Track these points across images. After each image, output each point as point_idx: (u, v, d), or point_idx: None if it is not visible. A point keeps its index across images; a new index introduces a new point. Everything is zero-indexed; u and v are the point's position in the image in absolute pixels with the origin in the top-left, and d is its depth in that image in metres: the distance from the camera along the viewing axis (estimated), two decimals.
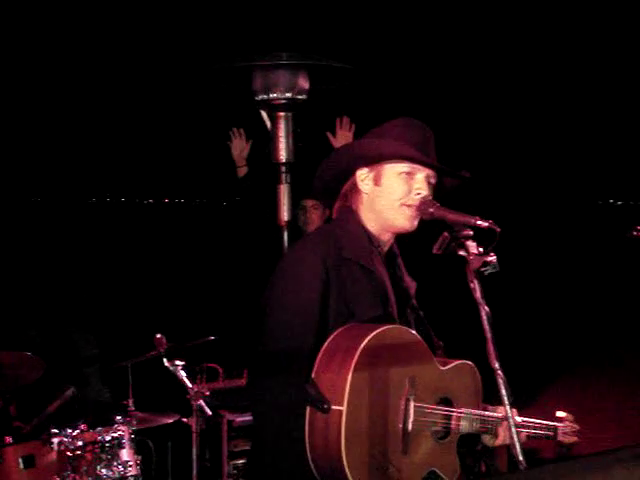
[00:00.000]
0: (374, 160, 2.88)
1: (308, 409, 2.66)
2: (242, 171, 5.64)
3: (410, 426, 2.74)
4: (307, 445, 2.67)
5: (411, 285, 3.07)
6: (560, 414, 3.21)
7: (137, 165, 7.36)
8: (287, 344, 2.76)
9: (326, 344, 2.72)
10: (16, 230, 6.87)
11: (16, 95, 5.90)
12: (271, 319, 2.81)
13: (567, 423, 3.19)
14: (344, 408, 2.60)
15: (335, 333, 2.73)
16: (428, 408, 2.80)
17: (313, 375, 2.69)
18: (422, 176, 2.87)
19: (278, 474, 2.78)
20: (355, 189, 2.92)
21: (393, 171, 2.86)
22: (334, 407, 2.61)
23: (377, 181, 2.88)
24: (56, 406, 4.67)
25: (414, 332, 2.86)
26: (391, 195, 2.86)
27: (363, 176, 2.90)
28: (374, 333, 2.68)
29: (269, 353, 2.79)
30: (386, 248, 2.98)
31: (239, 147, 5.60)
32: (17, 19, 5.28)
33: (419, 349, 2.84)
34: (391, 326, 2.78)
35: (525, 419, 3.02)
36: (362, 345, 2.64)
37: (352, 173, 2.93)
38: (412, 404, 2.75)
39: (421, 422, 2.78)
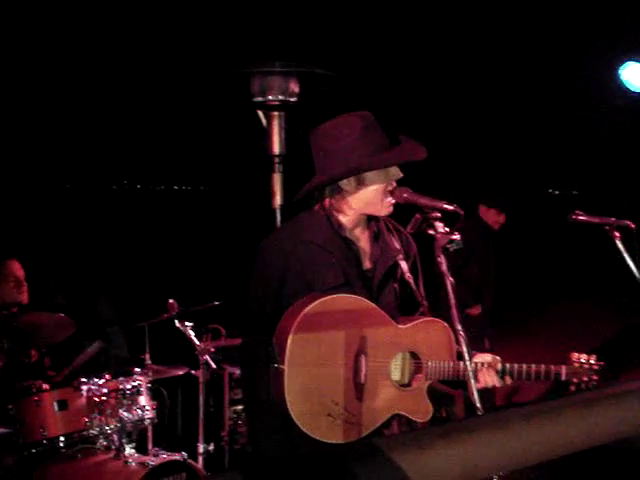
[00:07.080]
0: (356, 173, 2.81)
1: (271, 367, 2.67)
2: None
3: (363, 378, 2.70)
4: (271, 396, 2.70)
5: (391, 256, 2.93)
6: (573, 355, 2.80)
7: (151, 159, 7.36)
8: (254, 308, 2.84)
9: (287, 310, 2.72)
10: (45, 214, 6.81)
11: (37, 93, 5.87)
12: (247, 288, 2.89)
13: (576, 362, 2.80)
14: (285, 367, 2.60)
15: (296, 302, 2.72)
16: (381, 361, 2.75)
17: (273, 338, 2.69)
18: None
19: (253, 415, 2.89)
20: (337, 189, 2.83)
21: (372, 172, 2.79)
22: (281, 366, 2.62)
23: (360, 182, 2.79)
24: (84, 358, 4.66)
25: (365, 299, 2.77)
26: (377, 189, 2.80)
27: (346, 180, 2.81)
28: (318, 301, 2.65)
29: (244, 316, 2.89)
30: (361, 237, 2.91)
31: None
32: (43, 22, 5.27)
33: (371, 313, 2.76)
34: (338, 295, 2.73)
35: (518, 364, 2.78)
36: (303, 312, 2.63)
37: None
38: (363, 359, 2.70)
39: (377, 374, 2.74)
